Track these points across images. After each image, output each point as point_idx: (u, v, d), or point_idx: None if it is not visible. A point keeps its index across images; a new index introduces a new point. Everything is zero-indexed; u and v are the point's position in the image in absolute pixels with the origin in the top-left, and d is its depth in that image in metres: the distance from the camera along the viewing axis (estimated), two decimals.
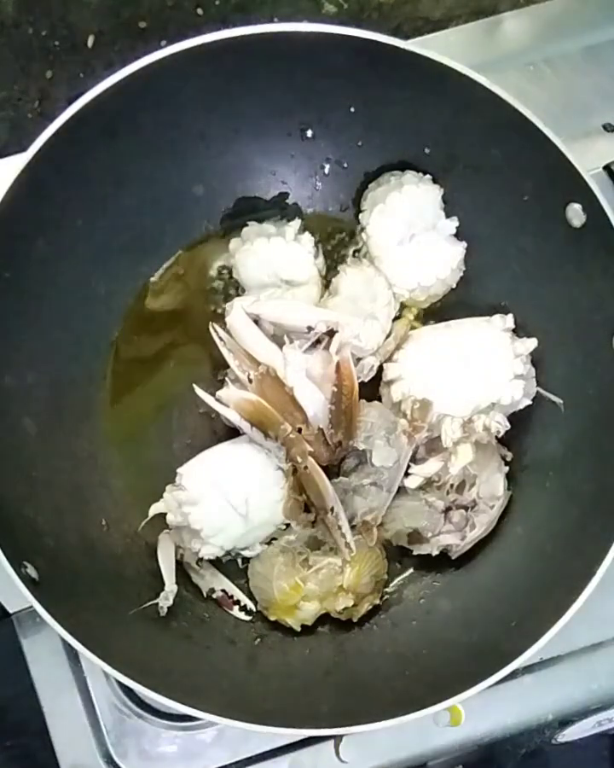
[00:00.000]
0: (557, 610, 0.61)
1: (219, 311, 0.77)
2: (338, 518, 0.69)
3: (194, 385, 0.71)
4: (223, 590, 0.73)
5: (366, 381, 0.73)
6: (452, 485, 0.72)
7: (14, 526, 0.63)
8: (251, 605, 0.73)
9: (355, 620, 0.73)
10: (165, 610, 0.68)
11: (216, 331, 0.71)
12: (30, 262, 0.67)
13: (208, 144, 0.73)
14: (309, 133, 0.75)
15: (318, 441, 0.70)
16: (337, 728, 0.59)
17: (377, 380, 0.74)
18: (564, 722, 0.78)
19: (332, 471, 0.72)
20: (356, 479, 0.72)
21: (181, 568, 0.72)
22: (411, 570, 0.76)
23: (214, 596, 0.72)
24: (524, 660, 0.60)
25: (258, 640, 0.72)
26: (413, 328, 0.76)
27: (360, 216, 0.76)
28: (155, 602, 0.68)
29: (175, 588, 0.69)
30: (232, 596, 0.73)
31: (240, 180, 0.77)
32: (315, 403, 0.69)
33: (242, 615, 0.72)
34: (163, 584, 0.70)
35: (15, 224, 0.64)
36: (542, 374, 0.73)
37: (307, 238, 0.75)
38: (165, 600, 0.68)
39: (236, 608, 0.73)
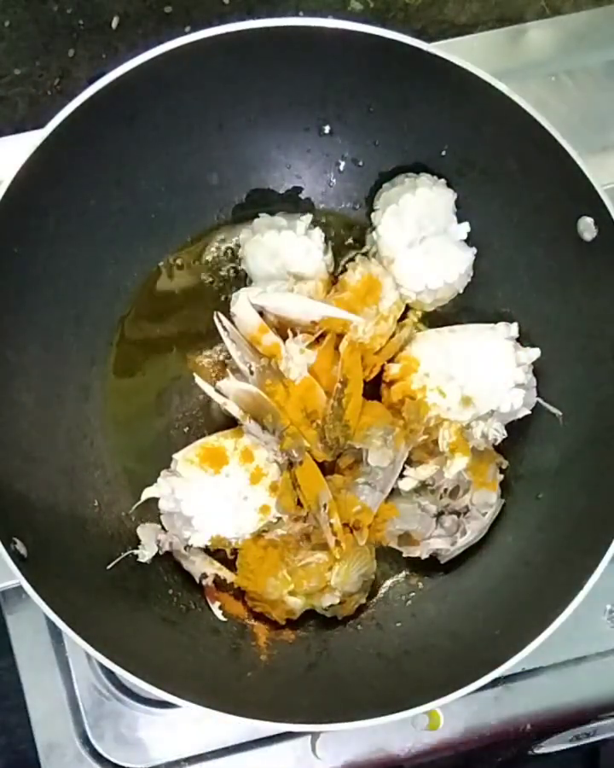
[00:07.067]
0: (542, 622, 0.61)
1: (225, 300, 0.77)
2: (330, 515, 0.69)
3: (195, 373, 0.71)
4: (216, 575, 0.72)
5: (367, 380, 0.73)
6: (446, 490, 0.72)
7: (5, 500, 0.63)
8: (237, 581, 0.72)
9: (340, 618, 0.73)
10: (147, 559, 0.69)
11: (220, 320, 0.71)
12: (40, 238, 0.67)
13: (225, 133, 0.73)
14: (327, 129, 0.75)
15: (316, 437, 0.69)
16: (315, 724, 0.59)
17: (377, 380, 0.74)
18: (542, 734, 0.78)
19: (326, 468, 0.72)
20: (350, 477, 0.72)
21: (170, 556, 0.72)
22: (399, 572, 0.75)
23: (204, 581, 0.71)
24: (506, 669, 0.60)
25: (243, 632, 0.72)
26: (417, 330, 0.76)
27: (372, 215, 0.76)
28: (132, 552, 0.69)
29: (155, 548, 0.70)
30: (223, 581, 0.72)
31: (254, 171, 0.77)
32: (315, 398, 0.69)
33: (220, 614, 0.71)
34: (152, 571, 0.70)
35: (28, 199, 0.64)
36: (543, 385, 0.73)
37: (317, 233, 0.75)
38: (142, 551, 0.69)
39: (216, 604, 0.72)
